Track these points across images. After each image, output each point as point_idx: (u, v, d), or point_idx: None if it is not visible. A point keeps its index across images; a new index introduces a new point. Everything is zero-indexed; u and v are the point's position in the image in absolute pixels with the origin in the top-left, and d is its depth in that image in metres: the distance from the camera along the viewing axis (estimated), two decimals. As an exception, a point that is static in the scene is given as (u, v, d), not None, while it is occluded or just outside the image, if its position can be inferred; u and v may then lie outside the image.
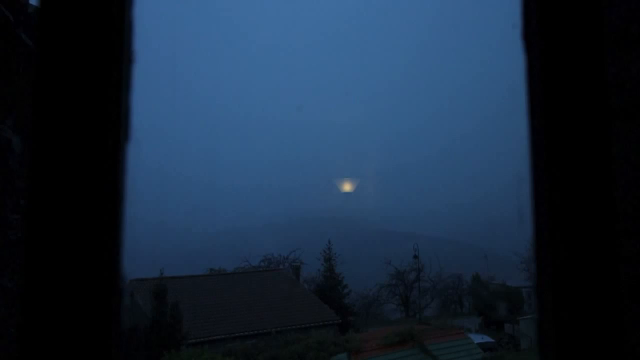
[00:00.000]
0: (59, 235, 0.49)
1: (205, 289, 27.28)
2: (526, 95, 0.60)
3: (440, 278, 46.15)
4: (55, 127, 0.50)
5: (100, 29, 0.52)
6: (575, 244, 0.56)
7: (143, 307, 22.43)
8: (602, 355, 0.60)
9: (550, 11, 0.57)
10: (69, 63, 0.51)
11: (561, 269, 0.56)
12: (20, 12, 4.13)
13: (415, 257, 42.77)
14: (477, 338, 24.65)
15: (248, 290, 27.82)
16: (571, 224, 0.56)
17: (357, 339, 19.55)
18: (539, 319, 0.63)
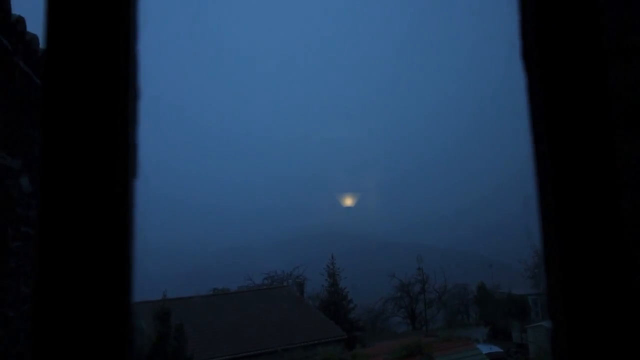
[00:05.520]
0: (70, 269, 0.49)
1: (210, 309, 27.08)
2: (528, 112, 0.59)
3: (446, 288, 45.90)
4: (64, 165, 0.49)
5: (106, 67, 0.51)
6: (585, 256, 0.55)
7: (146, 330, 22.25)
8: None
9: (547, 29, 0.57)
10: (76, 100, 0.50)
11: (572, 283, 0.55)
12: (19, 41, 4.16)
13: (419, 268, 42.57)
14: (486, 348, 24.40)
15: (252, 308, 27.62)
16: (580, 236, 0.55)
17: (365, 354, 19.36)
18: (553, 331, 0.62)
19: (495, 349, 26.59)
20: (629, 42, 0.78)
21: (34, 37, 4.23)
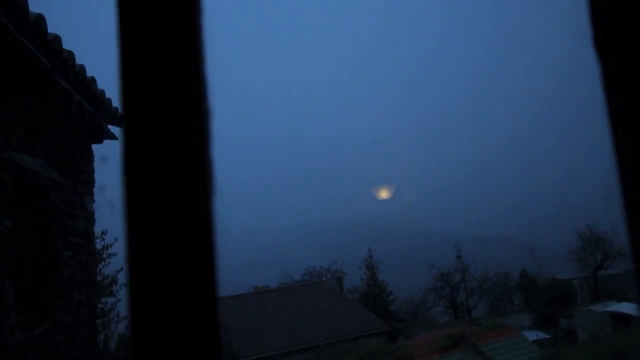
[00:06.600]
0: (160, 279, 0.54)
1: (252, 307, 27.51)
2: (605, 104, 0.56)
3: (487, 277, 45.11)
4: (146, 192, 0.53)
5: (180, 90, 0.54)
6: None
7: (192, 330, 22.76)
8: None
9: (621, 11, 0.55)
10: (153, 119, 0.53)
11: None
12: (56, 59, 4.30)
13: (459, 257, 41.97)
14: (532, 335, 23.90)
15: (294, 305, 27.90)
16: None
17: (408, 346, 19.28)
18: None
19: (542, 335, 25.99)
20: None
21: (70, 54, 4.38)
